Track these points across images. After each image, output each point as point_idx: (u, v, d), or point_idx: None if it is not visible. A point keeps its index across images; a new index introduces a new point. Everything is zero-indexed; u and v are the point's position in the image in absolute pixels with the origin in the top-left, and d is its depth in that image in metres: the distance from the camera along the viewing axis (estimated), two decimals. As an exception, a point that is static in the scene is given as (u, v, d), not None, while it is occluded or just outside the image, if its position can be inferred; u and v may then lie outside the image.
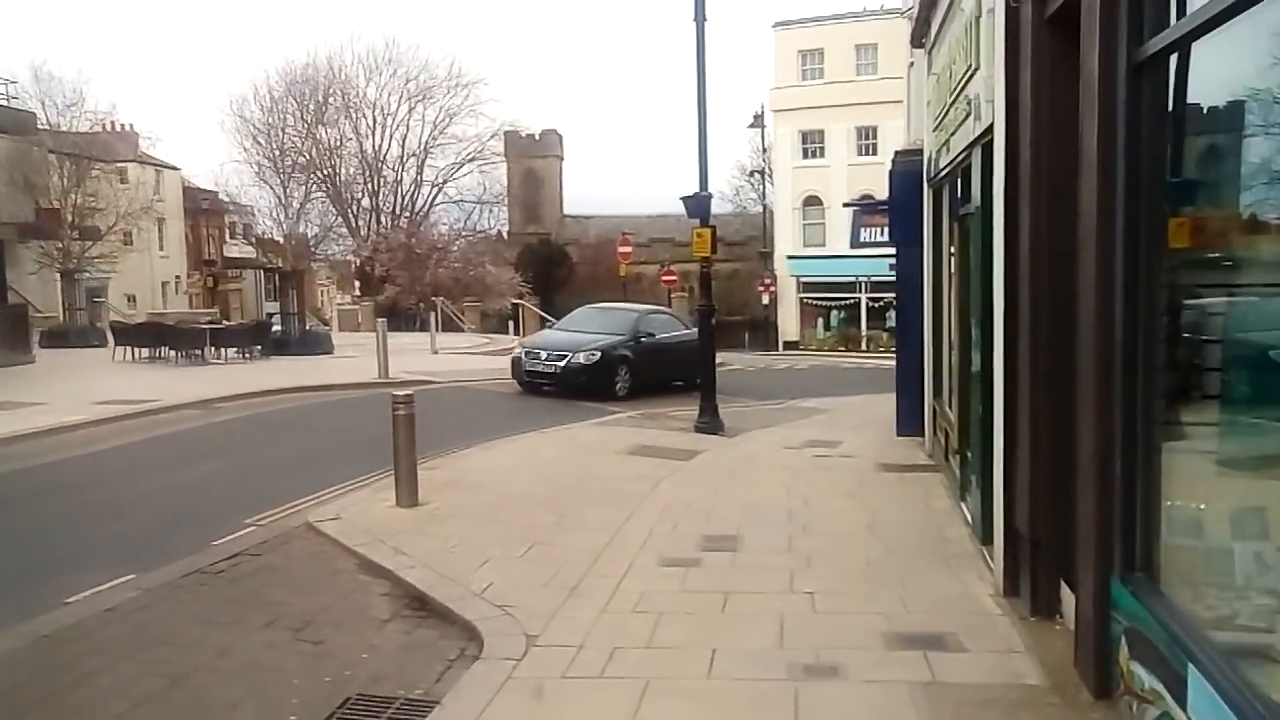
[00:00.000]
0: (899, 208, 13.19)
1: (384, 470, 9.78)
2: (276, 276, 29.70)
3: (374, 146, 58.33)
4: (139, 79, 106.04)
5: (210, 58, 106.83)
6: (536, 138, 72.09)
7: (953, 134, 9.09)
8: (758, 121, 50.40)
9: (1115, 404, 4.55)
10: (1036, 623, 5.93)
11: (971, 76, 7.79)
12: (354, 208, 57.35)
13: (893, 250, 14.73)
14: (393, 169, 59.22)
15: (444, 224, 59.79)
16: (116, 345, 24.86)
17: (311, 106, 50.90)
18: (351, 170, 56.93)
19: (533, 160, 72.65)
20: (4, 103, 30.01)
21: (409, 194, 60.60)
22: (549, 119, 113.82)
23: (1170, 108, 4.23)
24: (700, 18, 14.29)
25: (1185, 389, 4.54)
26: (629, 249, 34.14)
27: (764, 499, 9.73)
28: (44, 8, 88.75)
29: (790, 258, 49.37)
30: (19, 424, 13.97)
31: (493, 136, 61.63)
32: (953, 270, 10.53)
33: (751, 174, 58.47)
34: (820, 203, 48.07)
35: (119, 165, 48.51)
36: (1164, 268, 4.33)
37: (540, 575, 7.04)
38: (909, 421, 13.19)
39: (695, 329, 19.43)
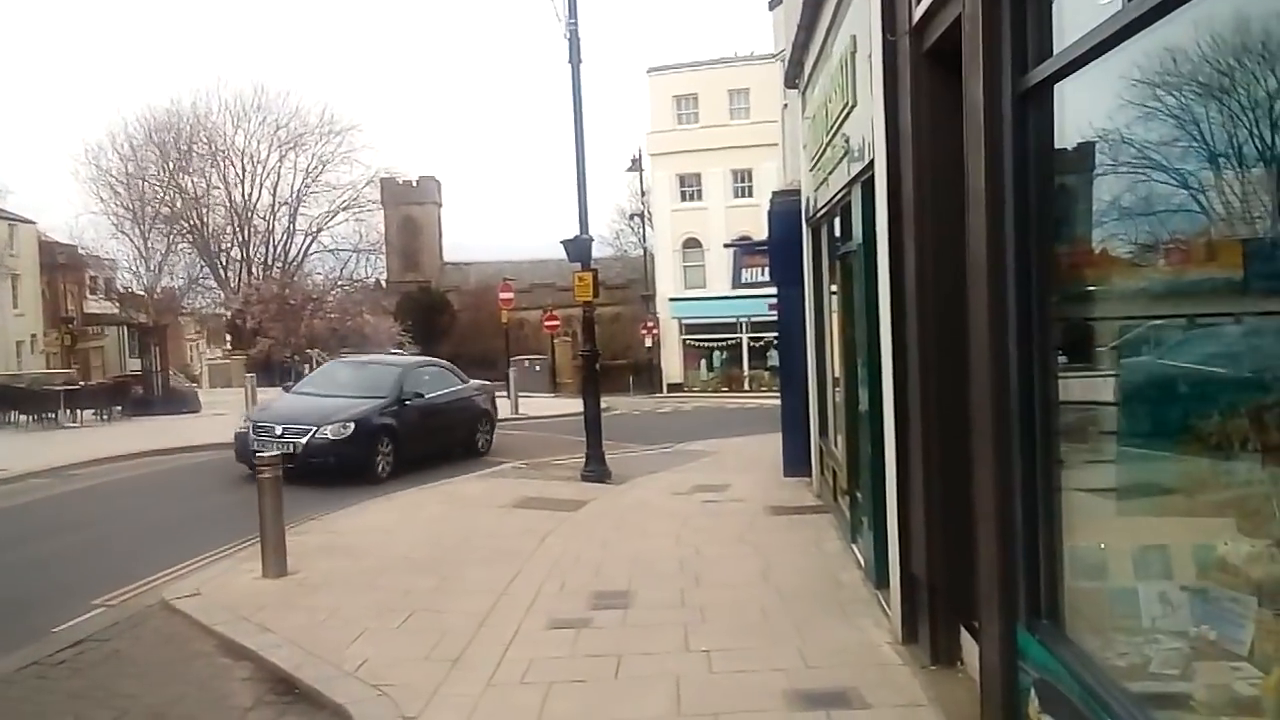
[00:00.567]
0: (779, 247, 13.19)
1: (250, 538, 9.13)
2: (138, 333, 28.26)
3: (243, 195, 56.55)
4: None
5: (65, 105, 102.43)
6: (414, 184, 71.27)
7: (830, 172, 9.04)
8: (635, 165, 50.74)
9: (1013, 443, 4.38)
10: (938, 671, 5.73)
11: (849, 114, 7.74)
12: (223, 259, 55.40)
13: (773, 290, 14.72)
14: (264, 218, 57.45)
15: (319, 274, 58.21)
16: (-40, 411, 23.20)
17: (174, 154, 49.08)
18: (219, 220, 55.05)
19: (410, 207, 71.75)
20: None
21: (281, 243, 58.85)
22: (426, 165, 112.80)
23: (1057, 138, 4.12)
24: (575, 60, 14.15)
25: (1082, 425, 4.41)
26: (510, 295, 33.63)
27: (654, 549, 9.43)
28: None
29: (672, 300, 49.56)
30: None
31: (368, 184, 60.49)
32: (835, 308, 10.47)
33: (631, 217, 58.76)
34: (700, 244, 48.46)
35: (-36, 220, 45.93)
36: (1056, 301, 4.19)
37: (420, 647, 6.56)
38: (795, 462, 13.10)
39: (471, 382, 18.33)
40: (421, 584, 8.25)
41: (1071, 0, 3.98)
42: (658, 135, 49.33)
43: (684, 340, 49.93)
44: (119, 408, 23.80)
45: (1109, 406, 4.24)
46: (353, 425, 14.47)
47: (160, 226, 37.14)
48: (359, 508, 11.89)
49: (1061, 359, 4.31)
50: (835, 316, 10.53)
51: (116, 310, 46.68)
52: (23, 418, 22.16)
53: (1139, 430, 4.06)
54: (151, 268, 31.30)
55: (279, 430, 14.41)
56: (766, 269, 14.67)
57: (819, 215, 10.58)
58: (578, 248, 14.47)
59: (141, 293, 32.41)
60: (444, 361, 19.78)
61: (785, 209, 12.82)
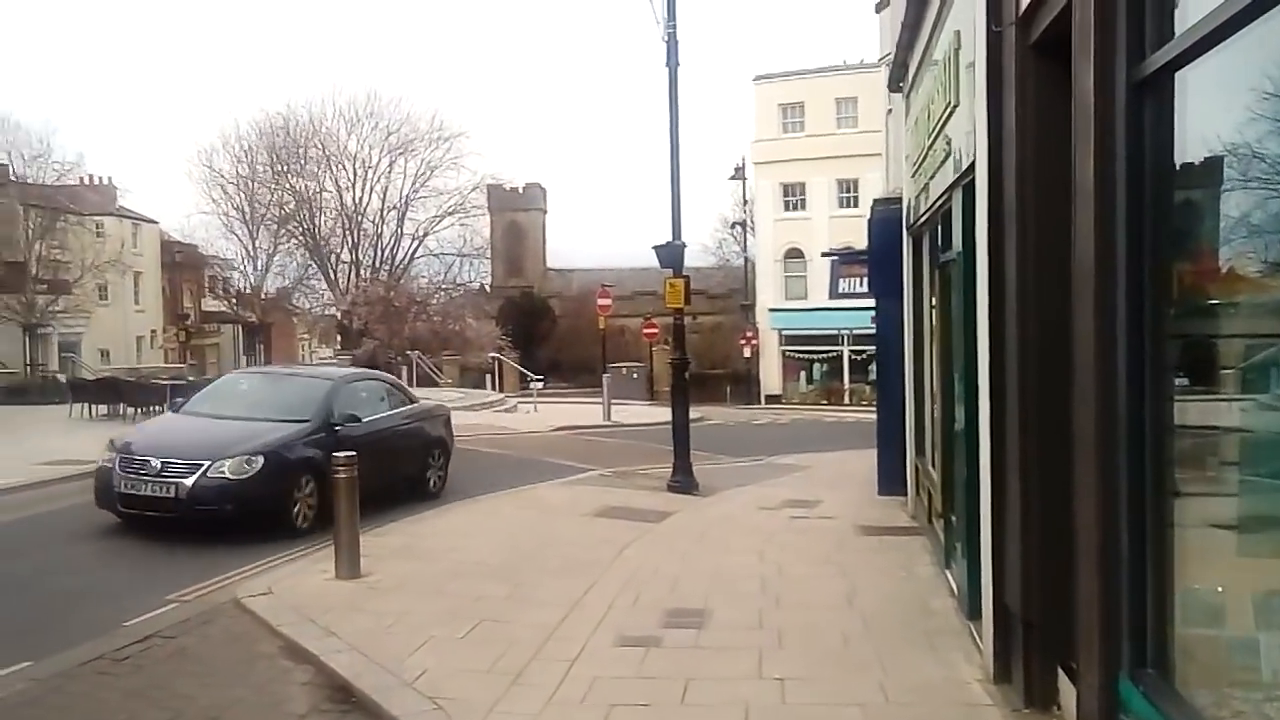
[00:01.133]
0: (878, 257, 12.73)
1: (330, 538, 9.05)
2: (243, 330, 29.01)
3: (354, 199, 57.62)
4: (107, 128, 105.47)
5: (182, 107, 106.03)
6: (519, 190, 71.94)
7: (931, 177, 8.60)
8: (739, 174, 50.29)
9: (1120, 472, 3.94)
10: (1031, 715, 5.29)
11: (951, 114, 7.30)
12: (332, 260, 56.68)
13: (872, 301, 14.23)
14: (372, 221, 58.46)
15: (424, 277, 59.11)
16: (74, 402, 24.06)
17: (284, 156, 50.36)
18: (330, 222, 56.32)
19: (515, 213, 72.54)
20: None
21: (389, 246, 59.87)
22: (531, 172, 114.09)
23: (1176, 131, 3.68)
24: (673, 63, 13.93)
25: (1200, 453, 3.95)
26: (608, 301, 33.47)
27: (735, 566, 9.08)
28: (3, 55, 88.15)
29: (772, 310, 48.94)
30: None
31: (474, 189, 61.10)
32: (934, 321, 9.99)
33: (734, 226, 58.26)
34: (802, 255, 47.74)
35: (95, 218, 48.02)
36: (1173, 314, 3.75)
37: (483, 659, 6.35)
38: (890, 480, 12.60)
39: (421, 403, 14.77)
40: (493, 591, 8.06)
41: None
42: (762, 144, 48.83)
43: (783, 351, 49.25)
44: (223, 403, 24.39)
45: (1232, 433, 3.78)
46: (261, 459, 10.64)
47: (269, 227, 38.06)
48: (441, 510, 11.82)
49: (1180, 380, 3.87)
50: (935, 330, 10.06)
51: (230, 309, 48.20)
52: (130, 410, 22.85)
53: (1265, 460, 3.60)
54: (259, 267, 32.07)
55: (156, 465, 10.50)
56: (865, 279, 14.16)
57: (920, 223, 10.11)
58: (669, 253, 14.21)
59: (250, 292, 33.22)
60: (386, 375, 15.95)
61: (885, 217, 12.35)
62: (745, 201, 52.61)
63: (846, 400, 44.66)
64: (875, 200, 13.98)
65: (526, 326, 61.09)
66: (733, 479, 15.34)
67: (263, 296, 29.41)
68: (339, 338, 55.15)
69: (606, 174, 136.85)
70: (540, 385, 37.13)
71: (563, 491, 13.80)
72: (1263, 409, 3.58)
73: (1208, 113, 3.61)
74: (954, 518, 8.03)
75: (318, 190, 54.74)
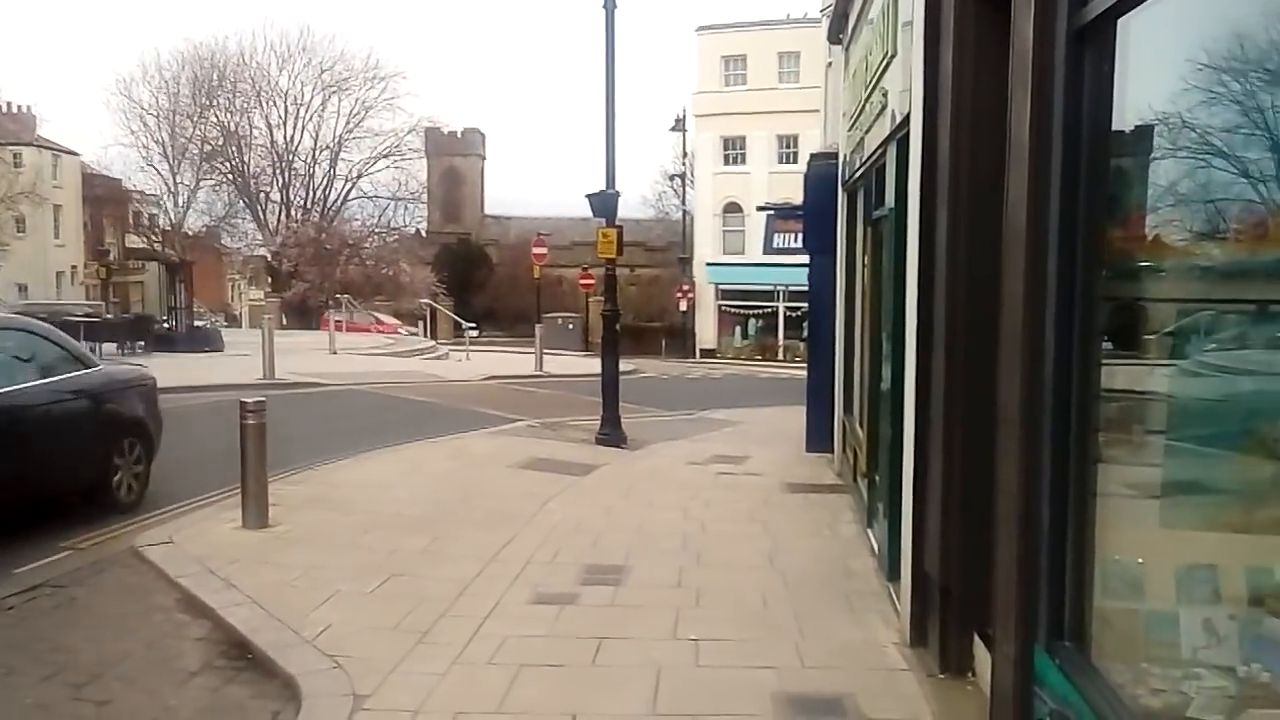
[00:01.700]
0: (813, 213, 12.56)
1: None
2: (164, 269, 28.10)
3: (285, 137, 56.20)
4: (23, 53, 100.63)
5: (104, 33, 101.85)
6: (458, 135, 70.77)
7: (867, 131, 8.41)
8: (679, 125, 49.84)
9: (1043, 439, 3.81)
10: (946, 681, 5.21)
11: (888, 66, 7.10)
12: (262, 200, 55.27)
13: (807, 258, 14.09)
14: (304, 161, 57.08)
15: (357, 220, 57.99)
16: (-17, 338, 23.08)
17: (208, 90, 48.68)
18: (260, 161, 54.84)
19: (453, 158, 71.35)
20: None
21: (321, 188, 58.57)
22: (471, 117, 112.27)
23: (1117, 84, 3.51)
24: (610, 4, 13.48)
25: (1125, 420, 3.84)
26: (544, 250, 33.01)
27: (659, 522, 8.94)
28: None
29: (709, 264, 48.79)
30: None
31: (410, 131, 59.92)
32: (865, 279, 9.87)
33: (673, 178, 57.86)
34: (740, 209, 47.53)
35: (12, 148, 46.15)
36: (1104, 276, 3.61)
37: (391, 615, 6.13)
38: (819, 437, 12.57)
39: (103, 367, 9.94)
40: (409, 544, 7.82)
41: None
42: (704, 96, 48.36)
43: (720, 306, 49.19)
44: (141, 343, 23.62)
45: (1158, 400, 3.66)
46: None
47: (192, 161, 36.78)
48: (361, 458, 11.50)
49: (1106, 344, 3.73)
50: (866, 288, 9.95)
51: (155, 246, 46.77)
52: (42, 348, 21.95)
53: (1192, 429, 3.49)
54: (180, 203, 30.97)
55: None
56: (800, 235, 14.00)
57: (855, 179, 9.95)
58: (603, 202, 13.90)
59: (171, 229, 32.14)
60: (46, 327, 9.88)
61: (821, 173, 12.17)
62: (685, 154, 52.20)
63: (781, 356, 44.82)
64: (812, 155, 13.80)
65: (463, 274, 60.36)
66: (663, 433, 15.20)
67: (185, 234, 28.37)
68: (270, 280, 53.99)
69: (548, 122, 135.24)
70: (474, 333, 36.67)
71: (489, 441, 13.55)
72: (1187, 375, 3.47)
73: (1153, 60, 3.45)
74: (877, 478, 7.95)
75: (247, 127, 53.25)
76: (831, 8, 11.88)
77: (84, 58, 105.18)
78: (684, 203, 53.95)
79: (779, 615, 6.34)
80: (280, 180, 56.15)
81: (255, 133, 54.14)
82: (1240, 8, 2.98)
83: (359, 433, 13.57)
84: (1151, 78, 3.49)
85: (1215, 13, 3.15)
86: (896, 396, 6.43)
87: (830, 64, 13.70)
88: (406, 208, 61.73)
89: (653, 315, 51.74)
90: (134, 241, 56.21)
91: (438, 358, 32.01)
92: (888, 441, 6.99)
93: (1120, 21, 3.39)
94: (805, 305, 36.70)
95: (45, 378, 8.60)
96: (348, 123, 57.74)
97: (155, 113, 44.38)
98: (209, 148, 42.97)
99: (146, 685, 5.19)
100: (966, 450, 5.09)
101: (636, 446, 13.57)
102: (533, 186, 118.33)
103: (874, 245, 8.68)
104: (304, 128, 56.75)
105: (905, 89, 6.09)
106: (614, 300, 14.16)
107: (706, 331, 48.89)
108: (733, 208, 48.32)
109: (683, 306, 48.32)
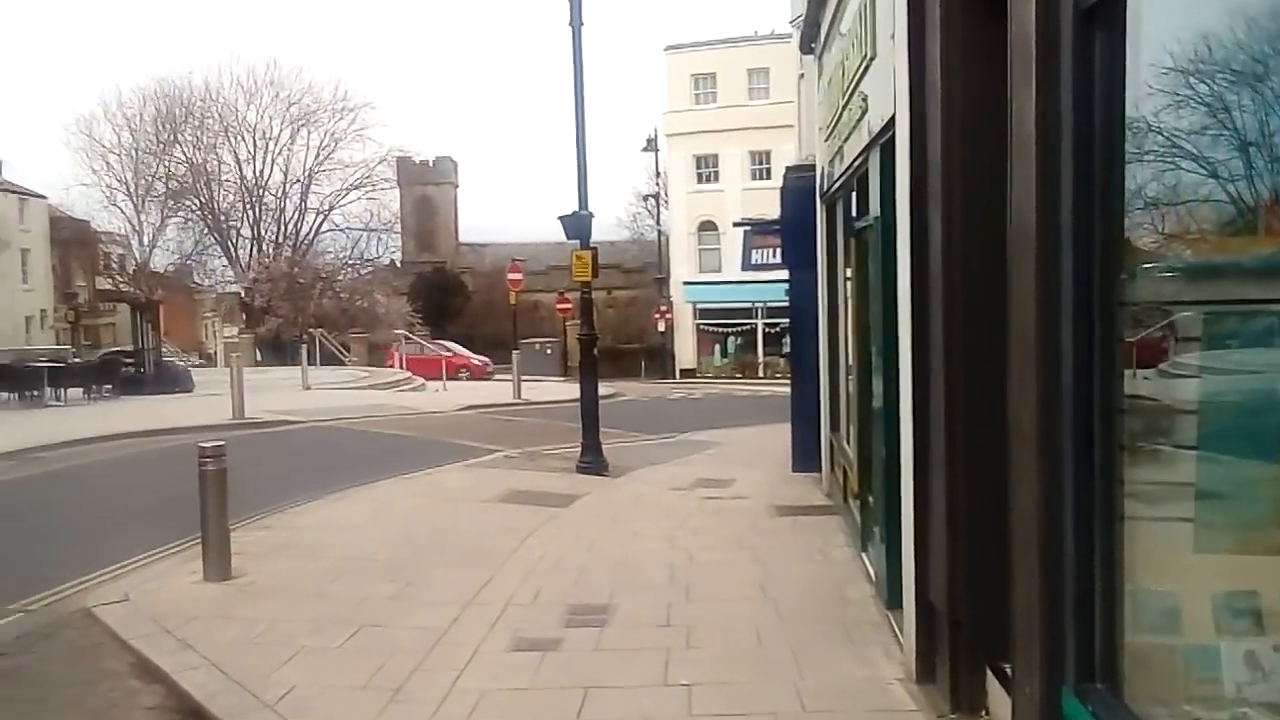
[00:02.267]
0: (791, 227, 12.27)
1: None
2: (130, 309, 27.51)
3: (254, 172, 55.68)
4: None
5: (63, 73, 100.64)
6: (430, 164, 70.49)
7: (846, 139, 8.10)
8: (651, 145, 49.64)
9: (1064, 456, 3.46)
10: (959, 721, 4.83)
11: (867, 69, 6.79)
12: (233, 236, 54.69)
13: (786, 273, 13.77)
14: (275, 195, 56.56)
15: (330, 253, 57.41)
16: (-55, 388, 22.43)
17: (172, 124, 48.14)
18: (230, 196, 54.28)
19: (426, 187, 70.98)
20: None
21: (292, 221, 58.02)
22: (442, 145, 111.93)
23: (1129, 68, 3.17)
24: (576, 22, 13.18)
25: (1154, 435, 3.48)
26: (519, 275, 32.51)
27: (644, 553, 8.55)
28: None
29: (686, 283, 48.47)
30: None
31: (381, 162, 59.53)
32: (849, 292, 9.54)
33: (647, 199, 57.60)
34: (715, 227, 47.25)
35: (-26, 192, 45.44)
36: (1125, 279, 3.26)
37: (360, 672, 5.69)
38: (805, 456, 12.20)
39: None
40: (379, 591, 7.38)
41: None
42: (674, 115, 48.17)
43: (698, 325, 48.83)
44: (108, 386, 23.02)
45: (1189, 414, 3.31)
46: None
47: (157, 199, 36.24)
48: (330, 498, 11.04)
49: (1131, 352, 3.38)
50: (850, 300, 9.62)
51: (123, 287, 46.12)
52: (4, 395, 21.35)
53: (1228, 445, 3.14)
54: (144, 242, 30.43)
55: None
56: (778, 250, 13.69)
57: (834, 190, 9.63)
58: (575, 223, 13.54)
59: (137, 269, 31.57)
60: None
61: (798, 186, 11.87)
62: (658, 174, 51.99)
63: (761, 374, 44.53)
64: (787, 168, 13.50)
65: (439, 303, 59.82)
66: (645, 457, 14.82)
67: (153, 273, 27.84)
68: (244, 316, 53.34)
69: (521, 147, 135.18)
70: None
71: (464, 475, 13.09)
72: (1224, 386, 3.13)
73: (1165, 43, 3.11)
74: (871, 498, 7.59)
75: (215, 163, 52.72)
76: (802, 18, 11.62)
77: (41, 98, 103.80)
78: (659, 223, 53.68)
79: (775, 652, 5.95)
80: (250, 215, 55.62)
81: (224, 168, 53.67)
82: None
83: (330, 471, 13.09)
84: (1166, 56, 3.16)
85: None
86: (891, 413, 6.07)
87: (803, 75, 13.43)
88: (380, 238, 61.30)
89: (631, 337, 51.38)
90: (104, 283, 55.48)
91: (414, 389, 31.51)
92: (882, 460, 6.63)
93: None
94: (784, 321, 36.55)
95: None
96: (318, 155, 57.37)
97: (117, 150, 43.88)
98: (175, 184, 42.39)
99: (89, 764, 4.73)
100: (972, 468, 4.73)
101: (619, 473, 13.17)
102: (507, 212, 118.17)
103: (858, 256, 8.35)
104: (273, 162, 56.31)
105: (889, 91, 5.77)
106: (590, 323, 13.78)
107: (686, 351, 48.54)
108: (707, 225, 48.06)
109: (661, 327, 47.97)
